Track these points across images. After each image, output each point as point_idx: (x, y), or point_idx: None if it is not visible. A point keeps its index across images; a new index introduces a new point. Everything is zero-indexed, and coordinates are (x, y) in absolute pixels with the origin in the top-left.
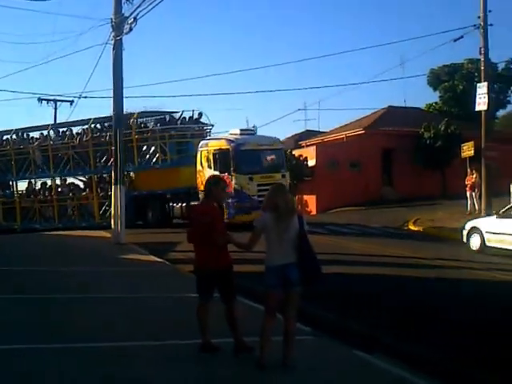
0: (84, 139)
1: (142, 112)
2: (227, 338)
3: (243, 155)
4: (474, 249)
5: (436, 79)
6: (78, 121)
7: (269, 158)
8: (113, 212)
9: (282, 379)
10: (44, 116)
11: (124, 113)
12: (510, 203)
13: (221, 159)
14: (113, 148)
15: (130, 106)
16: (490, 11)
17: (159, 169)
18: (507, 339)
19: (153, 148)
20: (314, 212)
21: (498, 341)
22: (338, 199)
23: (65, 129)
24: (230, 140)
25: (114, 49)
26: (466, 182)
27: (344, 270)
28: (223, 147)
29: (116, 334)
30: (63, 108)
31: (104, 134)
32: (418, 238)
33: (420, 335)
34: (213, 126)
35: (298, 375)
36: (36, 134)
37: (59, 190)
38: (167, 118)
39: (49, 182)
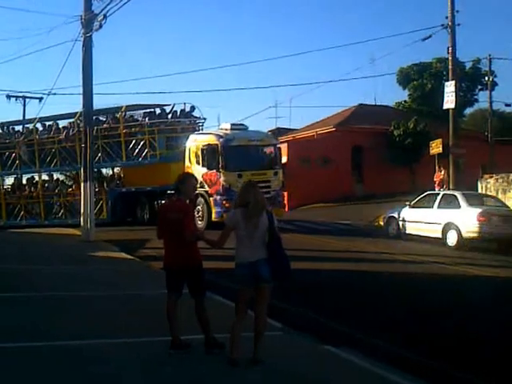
0: (70, 133)
1: (130, 105)
2: (198, 334)
3: (232, 151)
4: (391, 235)
5: (405, 78)
6: (64, 114)
7: (260, 154)
8: (82, 210)
9: (253, 375)
10: (12, 113)
11: (112, 106)
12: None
13: (209, 155)
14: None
15: (104, 103)
16: (457, 11)
17: (148, 165)
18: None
19: (141, 143)
20: (286, 209)
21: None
22: (309, 196)
23: (51, 122)
24: (218, 135)
25: (83, 46)
26: (435, 179)
27: (312, 266)
28: (212, 143)
29: (82, 331)
30: (32, 105)
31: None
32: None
33: (383, 328)
34: (205, 119)
35: (267, 370)
36: (22, 128)
37: (46, 185)
38: (157, 111)
39: (36, 178)
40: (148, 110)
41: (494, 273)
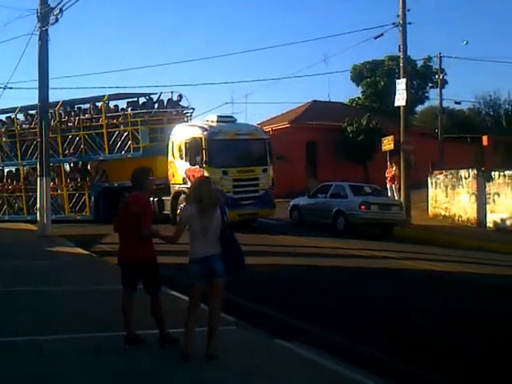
0: (52, 124)
1: (113, 94)
2: (153, 329)
3: (217, 146)
4: (294, 223)
5: (359, 75)
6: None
7: (248, 149)
8: (38, 204)
9: (206, 369)
10: None
11: (96, 95)
12: (427, 195)
13: (192, 149)
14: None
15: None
16: (408, 10)
17: (132, 159)
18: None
19: (124, 134)
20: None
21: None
22: None
23: (33, 112)
24: (203, 128)
25: (39, 39)
26: (386, 175)
27: (265, 261)
28: (195, 136)
29: (34, 327)
30: None
31: (72, 118)
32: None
33: (333, 321)
34: (193, 109)
35: (221, 365)
36: (4, 117)
37: (28, 179)
38: (142, 100)
39: (14, 171)
40: (131, 100)
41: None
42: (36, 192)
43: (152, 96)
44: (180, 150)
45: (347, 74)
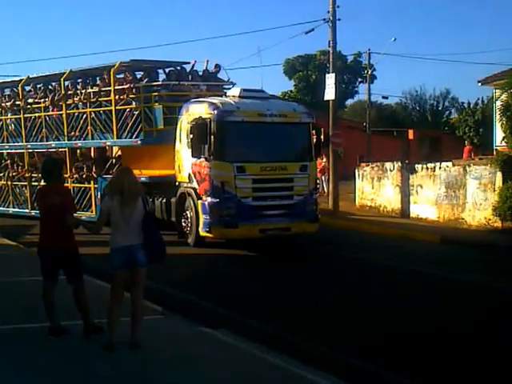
0: (56, 98)
1: (129, 61)
2: (77, 320)
3: (231, 130)
4: None
5: (291, 68)
6: (57, 74)
7: (282, 136)
8: None
9: (130, 359)
10: None
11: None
12: (354, 186)
13: (198, 136)
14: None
15: None
16: (338, 6)
17: (144, 146)
18: None
19: (136, 113)
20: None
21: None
22: None
23: (41, 84)
24: (213, 105)
25: None
26: (317, 167)
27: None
28: (202, 116)
29: None
30: None
31: (79, 91)
32: None
33: (261, 310)
34: (233, 84)
35: (146, 353)
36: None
37: (36, 165)
38: (160, 71)
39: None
40: (149, 66)
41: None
42: (40, 182)
43: (183, 66)
44: (187, 136)
45: (280, 68)
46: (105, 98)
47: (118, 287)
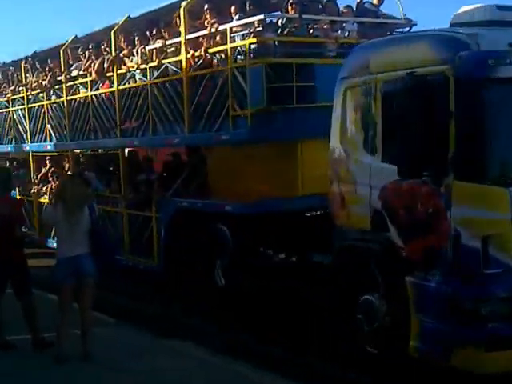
0: (106, 64)
1: None
2: (26, 334)
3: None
4: None
5: None
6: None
7: None
8: None
9: (83, 371)
10: None
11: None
12: None
13: (411, 120)
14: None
15: None
16: None
17: (235, 146)
18: None
19: (220, 83)
20: None
21: None
22: None
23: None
24: (453, 40)
25: None
26: None
27: None
28: (424, 70)
29: None
30: None
31: (138, 50)
32: None
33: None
34: (412, 24)
35: (97, 366)
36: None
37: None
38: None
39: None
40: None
41: None
42: None
43: None
44: (374, 121)
45: None
46: (171, 59)
47: (65, 299)
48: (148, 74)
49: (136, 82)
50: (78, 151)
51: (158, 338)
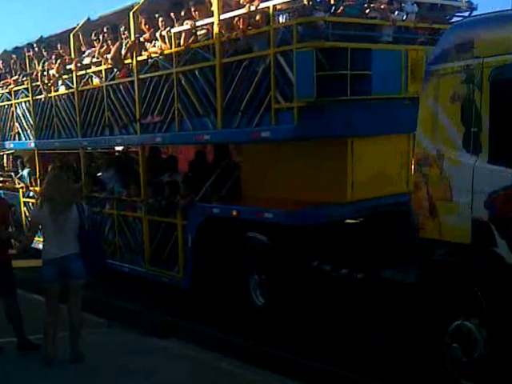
0: (123, 50)
1: None
2: (11, 336)
3: None
4: None
5: None
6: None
7: None
8: None
9: (73, 374)
10: None
11: None
12: None
13: None
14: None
15: None
16: None
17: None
18: None
19: (260, 71)
20: None
21: None
22: None
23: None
24: None
25: None
26: None
27: None
28: None
29: None
30: None
31: (162, 34)
32: None
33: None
34: (472, 8)
35: (87, 368)
36: None
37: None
38: None
39: None
40: None
41: None
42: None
43: None
44: (477, 110)
45: None
46: (202, 43)
47: (52, 300)
48: (174, 60)
49: (159, 70)
50: (91, 149)
51: (150, 338)
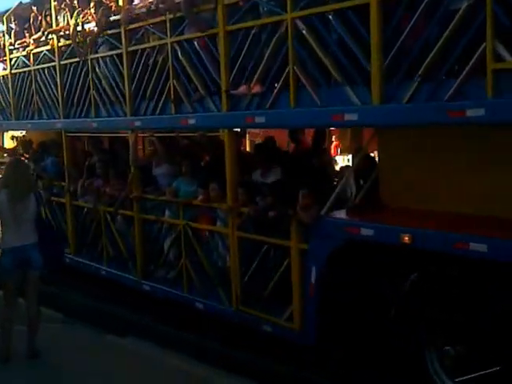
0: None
1: None
2: None
3: None
4: None
5: None
6: None
7: None
8: None
9: (28, 370)
10: None
11: None
12: None
13: None
14: None
15: None
16: None
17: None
18: None
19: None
20: None
21: None
22: None
23: None
24: None
25: None
26: None
27: None
28: None
29: None
30: None
31: None
32: None
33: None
34: None
35: (44, 364)
36: None
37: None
38: None
39: None
40: None
41: None
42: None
43: None
44: None
45: None
46: None
47: (9, 292)
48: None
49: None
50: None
51: (106, 336)
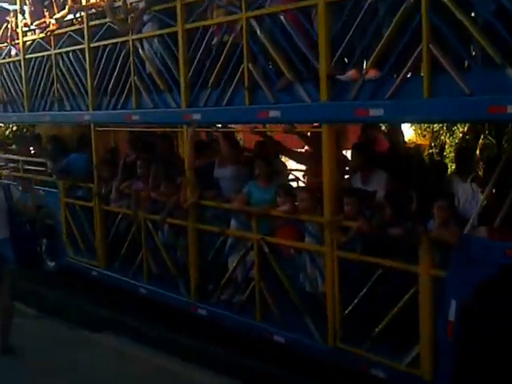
0: None
1: None
2: None
3: None
4: None
5: None
6: None
7: None
8: None
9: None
10: None
11: None
12: None
13: None
14: None
15: None
16: None
17: None
18: None
19: None
20: None
21: None
22: None
23: None
24: None
25: None
26: None
27: None
28: None
29: None
30: None
31: None
32: None
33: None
34: None
35: (17, 360)
36: None
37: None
38: None
39: None
40: None
41: None
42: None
43: None
44: None
45: None
46: None
47: None
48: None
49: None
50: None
51: (82, 330)
